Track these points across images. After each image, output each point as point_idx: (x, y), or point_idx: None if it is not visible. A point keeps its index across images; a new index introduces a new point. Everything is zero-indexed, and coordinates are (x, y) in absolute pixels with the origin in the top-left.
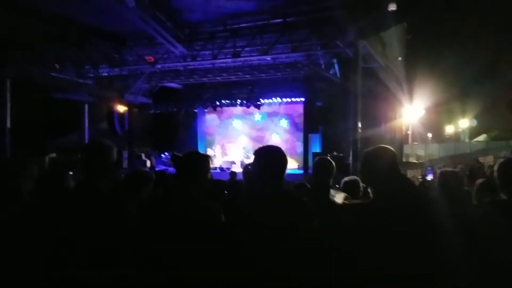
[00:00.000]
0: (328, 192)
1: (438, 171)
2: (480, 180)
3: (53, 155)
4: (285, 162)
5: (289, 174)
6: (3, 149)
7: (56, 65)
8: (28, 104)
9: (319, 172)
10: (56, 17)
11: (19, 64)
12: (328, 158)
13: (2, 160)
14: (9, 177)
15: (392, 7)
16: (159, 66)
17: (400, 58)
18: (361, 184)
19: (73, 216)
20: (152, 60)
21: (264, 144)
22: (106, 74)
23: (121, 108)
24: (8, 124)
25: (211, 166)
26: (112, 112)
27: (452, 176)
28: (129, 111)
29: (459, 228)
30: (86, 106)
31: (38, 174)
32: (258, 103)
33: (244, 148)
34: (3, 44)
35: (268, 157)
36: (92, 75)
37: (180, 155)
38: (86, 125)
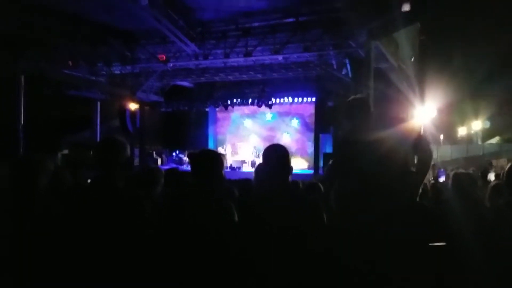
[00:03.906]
0: None
1: (451, 173)
2: (493, 182)
3: (66, 151)
4: (288, 159)
5: (300, 174)
6: (16, 146)
7: (69, 62)
8: (41, 101)
9: (333, 176)
10: (70, 15)
11: (33, 61)
12: None
13: (18, 156)
14: (26, 173)
15: (406, 7)
16: (171, 65)
17: (412, 59)
18: None
19: (90, 212)
20: (164, 58)
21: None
22: (118, 72)
23: (133, 106)
24: (22, 121)
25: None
26: (124, 110)
27: (465, 178)
28: (141, 109)
29: (473, 230)
30: (99, 104)
31: (53, 170)
32: (270, 102)
33: (254, 147)
34: (18, 41)
35: (274, 155)
36: (104, 72)
37: (196, 152)
38: (98, 122)
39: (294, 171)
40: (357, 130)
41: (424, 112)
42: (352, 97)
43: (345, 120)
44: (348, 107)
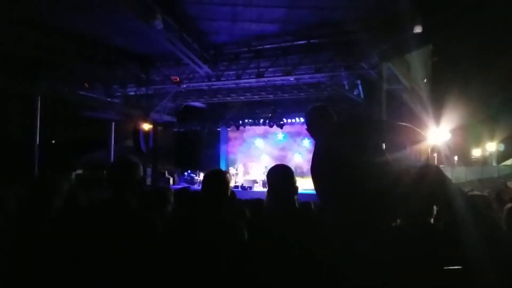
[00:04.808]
0: None
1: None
2: (509, 205)
3: (80, 171)
4: (291, 179)
5: (312, 195)
6: (31, 166)
7: (85, 84)
8: (56, 121)
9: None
10: (87, 38)
11: (50, 83)
12: None
13: (34, 176)
14: (41, 193)
15: (418, 29)
16: (184, 86)
17: (425, 80)
18: None
19: (103, 232)
20: (178, 80)
21: (285, 164)
22: (133, 93)
23: (146, 126)
24: (37, 141)
25: (231, 183)
26: (137, 130)
27: (480, 200)
28: (154, 129)
29: (489, 253)
30: (113, 124)
31: (67, 190)
32: (281, 122)
33: (266, 167)
34: (35, 63)
35: (275, 176)
36: (119, 94)
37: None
38: (113, 142)
39: (306, 192)
40: (324, 142)
41: (437, 133)
42: (310, 107)
43: (314, 134)
44: (309, 119)
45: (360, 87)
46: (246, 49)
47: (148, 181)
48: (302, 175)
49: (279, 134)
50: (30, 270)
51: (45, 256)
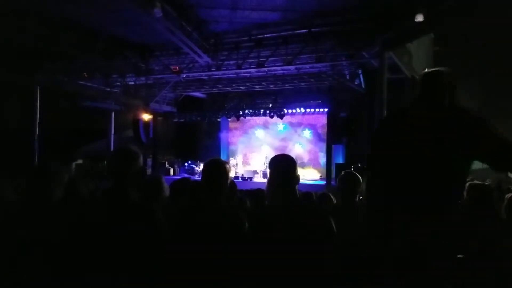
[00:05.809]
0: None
1: (467, 185)
2: (510, 194)
3: (80, 161)
4: (293, 169)
5: (312, 185)
6: (31, 156)
7: (84, 74)
8: (56, 111)
9: (345, 188)
10: (87, 28)
11: (49, 73)
12: (355, 173)
13: (34, 167)
14: (41, 183)
15: (419, 18)
16: (184, 76)
17: (427, 70)
18: None
19: (104, 222)
20: (178, 69)
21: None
22: (132, 83)
23: (146, 117)
24: (37, 131)
25: (231, 173)
26: (137, 120)
27: (481, 190)
28: (154, 119)
29: (489, 242)
30: (113, 114)
31: (67, 181)
32: (282, 113)
33: (266, 157)
34: (35, 53)
35: (278, 166)
36: (119, 83)
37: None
38: (112, 132)
39: (306, 182)
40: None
41: None
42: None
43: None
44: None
45: (361, 76)
46: (246, 38)
47: (149, 171)
48: (303, 165)
49: (279, 124)
50: (30, 261)
51: (45, 246)
